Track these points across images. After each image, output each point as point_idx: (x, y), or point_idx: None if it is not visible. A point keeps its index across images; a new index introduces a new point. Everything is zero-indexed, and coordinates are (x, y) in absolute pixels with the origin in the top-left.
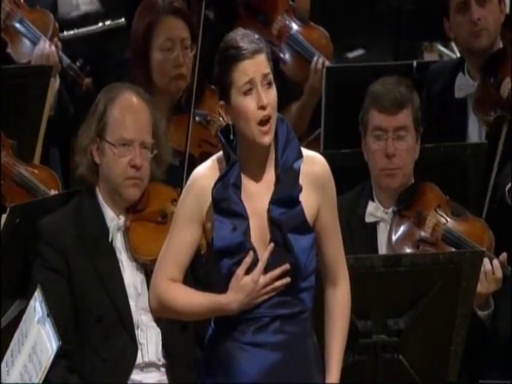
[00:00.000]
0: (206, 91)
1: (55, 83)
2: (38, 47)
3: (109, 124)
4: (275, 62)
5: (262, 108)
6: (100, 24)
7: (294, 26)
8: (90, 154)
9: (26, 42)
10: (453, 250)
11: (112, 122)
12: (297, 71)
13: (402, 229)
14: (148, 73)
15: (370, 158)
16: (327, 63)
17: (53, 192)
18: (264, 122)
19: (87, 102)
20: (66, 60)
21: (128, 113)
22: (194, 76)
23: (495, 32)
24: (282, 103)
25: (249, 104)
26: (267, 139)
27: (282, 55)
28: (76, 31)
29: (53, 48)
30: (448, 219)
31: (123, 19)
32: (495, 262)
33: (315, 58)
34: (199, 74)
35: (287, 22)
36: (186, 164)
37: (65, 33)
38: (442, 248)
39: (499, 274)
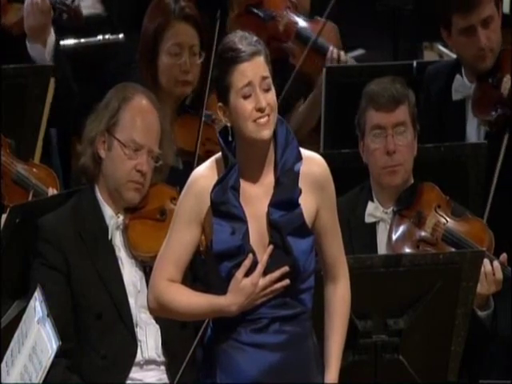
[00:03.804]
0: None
1: (51, 37)
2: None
3: (121, 123)
4: (284, 58)
5: (260, 111)
6: (99, 37)
7: (300, 22)
8: (95, 146)
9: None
10: (453, 249)
11: (124, 122)
12: (308, 63)
13: (401, 229)
14: (154, 75)
15: (369, 157)
16: (342, 53)
17: (51, 190)
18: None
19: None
20: None
21: (142, 117)
22: (207, 82)
23: (499, 48)
24: (289, 102)
25: (247, 105)
26: (266, 133)
27: (291, 50)
28: (75, 41)
29: None
30: (448, 219)
31: (122, 35)
32: (495, 262)
33: (330, 48)
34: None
35: (292, 18)
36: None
37: (65, 42)
38: (442, 248)
39: (499, 275)
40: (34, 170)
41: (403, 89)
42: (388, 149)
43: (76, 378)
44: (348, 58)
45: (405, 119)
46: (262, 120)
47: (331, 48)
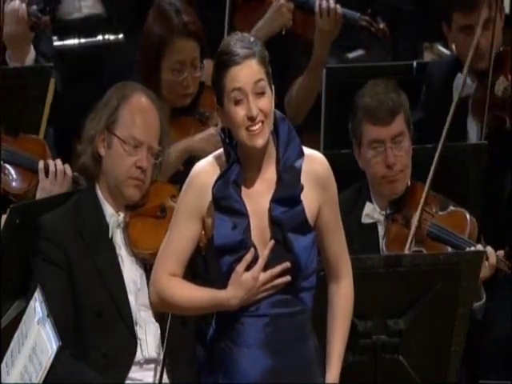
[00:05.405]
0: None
1: (31, 55)
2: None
3: (120, 120)
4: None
5: (251, 119)
6: (99, 37)
7: None
8: (95, 144)
9: None
10: (437, 243)
11: (124, 119)
12: (302, 25)
13: (392, 232)
14: (156, 85)
15: (367, 168)
16: (331, 1)
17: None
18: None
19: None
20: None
21: (141, 115)
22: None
23: (498, 50)
24: (291, 76)
25: (238, 112)
26: (259, 142)
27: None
28: (74, 42)
29: (23, 5)
30: (434, 215)
31: (122, 35)
32: (489, 248)
33: (317, 2)
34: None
35: None
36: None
37: (65, 42)
38: (429, 244)
39: (493, 259)
40: (22, 143)
41: (397, 96)
42: (388, 163)
43: (81, 364)
44: (338, 6)
45: (402, 129)
46: (254, 128)
47: (317, 2)
